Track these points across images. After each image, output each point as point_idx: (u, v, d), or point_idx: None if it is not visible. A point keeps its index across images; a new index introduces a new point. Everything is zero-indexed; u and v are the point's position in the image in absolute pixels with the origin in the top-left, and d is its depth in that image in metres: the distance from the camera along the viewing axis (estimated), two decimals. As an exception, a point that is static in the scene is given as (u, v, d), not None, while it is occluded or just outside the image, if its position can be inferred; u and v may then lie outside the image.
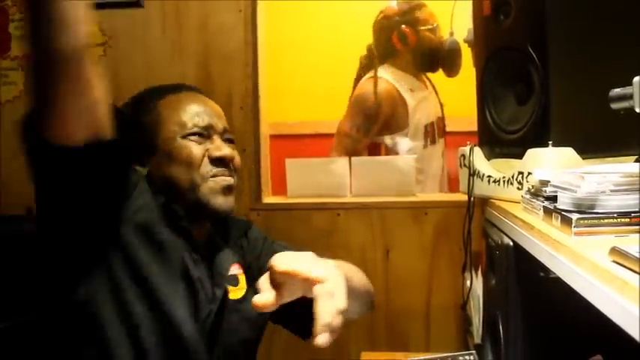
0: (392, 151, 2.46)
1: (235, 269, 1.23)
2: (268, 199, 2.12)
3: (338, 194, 2.09)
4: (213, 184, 1.15)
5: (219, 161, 1.16)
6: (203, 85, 2.03)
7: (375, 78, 2.45)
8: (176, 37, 2.07)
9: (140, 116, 1.19)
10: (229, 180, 1.18)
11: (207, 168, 1.15)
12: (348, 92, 2.62)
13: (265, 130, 2.16)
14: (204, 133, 1.17)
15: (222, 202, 1.16)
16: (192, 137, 1.16)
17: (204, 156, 1.15)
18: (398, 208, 2.01)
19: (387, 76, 2.50)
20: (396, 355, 1.71)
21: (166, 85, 1.26)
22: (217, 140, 1.19)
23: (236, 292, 1.21)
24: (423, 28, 2.47)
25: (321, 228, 2.02)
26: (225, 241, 1.26)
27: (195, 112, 1.18)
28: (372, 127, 2.45)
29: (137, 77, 2.06)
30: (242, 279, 1.24)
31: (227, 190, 1.17)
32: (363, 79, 2.53)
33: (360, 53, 2.62)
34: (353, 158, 2.19)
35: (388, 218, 2.01)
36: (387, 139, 2.48)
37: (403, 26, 2.46)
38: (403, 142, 2.48)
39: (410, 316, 1.99)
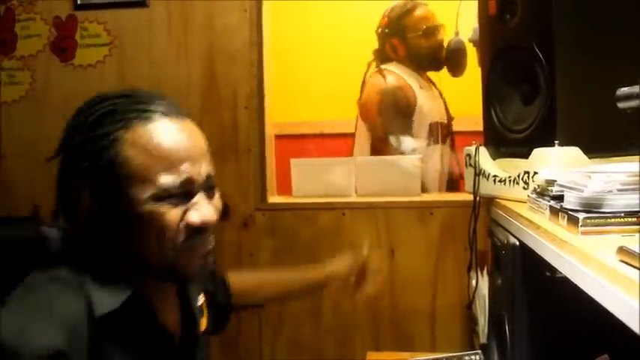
0: (396, 151, 2.47)
1: (200, 299, 1.12)
2: (273, 199, 2.13)
3: (343, 194, 2.09)
4: (190, 256, 0.92)
5: (195, 229, 0.91)
6: (208, 84, 2.06)
7: (382, 73, 2.48)
8: (181, 36, 2.07)
9: (94, 148, 0.89)
10: (208, 247, 0.95)
11: (181, 238, 0.90)
12: (353, 92, 2.63)
13: (270, 130, 2.17)
14: (183, 192, 0.90)
15: (198, 268, 0.95)
16: (168, 200, 0.88)
17: (180, 221, 0.90)
18: (403, 208, 2.01)
19: (397, 71, 2.52)
20: (401, 354, 1.71)
21: (135, 96, 0.94)
22: (200, 198, 0.92)
23: (202, 324, 1.10)
24: (411, 35, 2.50)
25: (326, 228, 2.02)
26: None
27: (171, 163, 0.88)
28: (404, 119, 2.48)
29: (142, 77, 2.07)
30: (204, 305, 1.14)
31: (204, 258, 0.95)
32: (370, 72, 2.55)
33: (365, 53, 2.63)
34: (358, 158, 2.19)
35: (393, 218, 2.00)
36: (392, 139, 2.48)
37: (392, 38, 2.52)
38: (408, 142, 2.48)
39: (415, 315, 1.99)
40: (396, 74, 2.52)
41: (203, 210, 0.92)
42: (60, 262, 0.91)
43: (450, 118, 2.64)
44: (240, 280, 1.39)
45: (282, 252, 1.99)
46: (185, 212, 0.90)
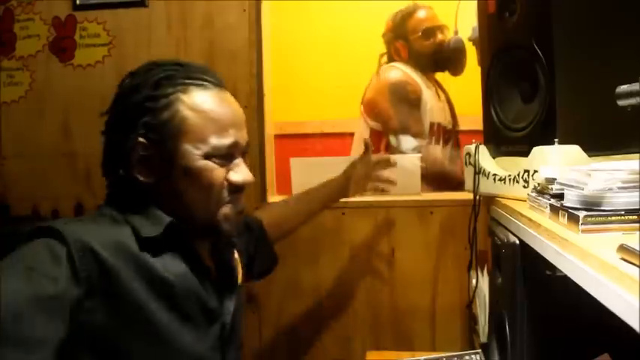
0: (396, 150, 2.47)
1: (234, 257, 1.22)
2: (273, 198, 2.12)
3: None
4: (228, 211, 1.06)
5: (237, 187, 1.05)
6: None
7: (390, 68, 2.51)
8: (181, 36, 2.07)
9: (155, 106, 1.01)
10: (243, 205, 1.09)
11: (224, 194, 1.04)
12: (354, 92, 2.63)
13: (270, 129, 2.17)
14: (229, 154, 1.04)
15: (233, 228, 1.07)
16: (215, 159, 1.02)
17: (224, 180, 1.04)
18: (403, 207, 2.01)
19: (405, 69, 2.54)
20: (401, 354, 1.71)
21: (188, 66, 1.07)
22: (239, 162, 1.06)
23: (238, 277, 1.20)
24: (412, 37, 2.55)
25: (326, 227, 2.02)
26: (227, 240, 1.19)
27: (222, 126, 1.02)
28: (413, 110, 2.50)
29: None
30: (238, 263, 1.22)
31: (239, 215, 1.08)
32: (383, 68, 2.58)
33: (366, 53, 2.64)
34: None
35: (393, 217, 2.00)
36: (391, 138, 2.48)
37: (395, 42, 2.57)
38: (407, 141, 2.48)
39: (415, 315, 1.99)
40: (402, 70, 2.55)
41: (243, 171, 1.05)
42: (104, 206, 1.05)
43: (455, 124, 2.65)
44: (270, 215, 1.55)
45: (282, 251, 1.98)
46: (228, 172, 1.04)
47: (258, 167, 2.06)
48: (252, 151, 2.04)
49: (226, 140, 1.02)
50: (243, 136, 1.06)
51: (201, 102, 1.02)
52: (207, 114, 1.02)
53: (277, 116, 2.32)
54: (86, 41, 2.11)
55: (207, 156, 1.01)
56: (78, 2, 2.11)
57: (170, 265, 1.00)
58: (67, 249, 0.88)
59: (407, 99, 2.51)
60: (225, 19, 2.06)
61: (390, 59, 2.62)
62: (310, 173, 2.12)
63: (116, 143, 1.03)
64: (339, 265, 2.02)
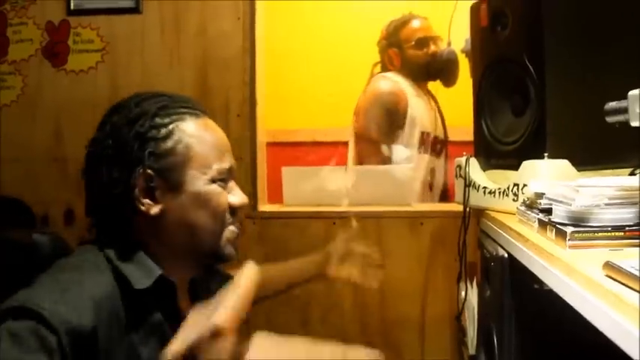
0: (388, 159, 2.47)
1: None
2: (264, 207, 2.12)
3: (334, 203, 2.09)
4: (230, 234, 1.07)
5: (236, 209, 1.07)
6: (200, 91, 2.05)
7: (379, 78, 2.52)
8: (174, 43, 2.07)
9: (157, 135, 1.01)
10: (239, 228, 1.10)
11: (227, 217, 1.06)
12: (347, 100, 2.64)
13: (262, 137, 2.17)
14: (226, 178, 1.06)
15: (233, 249, 1.08)
16: (218, 183, 1.04)
17: (226, 203, 1.06)
18: (394, 218, 2.01)
19: (396, 78, 2.55)
20: (390, 365, 1.71)
21: (176, 97, 1.09)
22: (233, 184, 1.08)
23: None
24: (406, 46, 2.57)
25: (316, 237, 2.01)
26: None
27: (219, 152, 1.06)
28: (394, 122, 2.51)
29: (135, 83, 2.07)
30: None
31: (237, 238, 1.09)
32: (373, 78, 2.59)
33: (358, 61, 2.66)
34: (350, 167, 2.19)
35: (384, 228, 2.00)
36: (384, 148, 2.49)
37: (389, 49, 2.60)
38: (400, 151, 2.49)
39: (405, 325, 1.99)
40: (392, 80, 2.55)
41: (240, 193, 1.08)
42: (91, 247, 1.02)
43: (445, 134, 2.66)
44: None
45: (273, 260, 1.98)
46: (227, 197, 1.06)
47: (249, 175, 2.06)
48: (244, 159, 2.05)
49: (225, 164, 1.05)
50: (233, 161, 1.10)
51: (199, 129, 1.04)
52: (208, 140, 1.04)
53: (270, 124, 2.32)
54: (79, 47, 2.11)
55: (213, 180, 1.03)
56: (72, 7, 2.10)
57: (152, 325, 0.99)
58: (57, 338, 0.84)
59: (392, 110, 2.52)
60: (219, 27, 2.06)
61: (384, 67, 2.63)
62: (302, 182, 2.12)
63: (115, 179, 1.00)
64: (329, 274, 2.02)
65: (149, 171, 0.99)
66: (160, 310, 1.00)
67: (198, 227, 1.03)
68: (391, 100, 2.52)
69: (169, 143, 1.01)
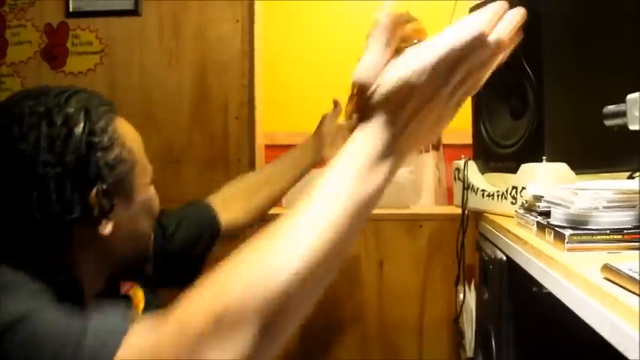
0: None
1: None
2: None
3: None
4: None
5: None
6: (199, 94, 2.05)
7: None
8: (173, 46, 2.07)
9: (101, 140, 0.85)
10: None
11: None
12: (345, 103, 2.63)
13: (260, 140, 2.17)
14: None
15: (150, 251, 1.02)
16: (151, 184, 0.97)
17: None
18: (392, 220, 2.01)
19: None
20: (388, 367, 1.71)
21: (81, 92, 0.88)
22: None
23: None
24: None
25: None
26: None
27: (143, 151, 0.96)
28: None
29: (133, 86, 2.07)
30: (137, 294, 1.04)
31: None
32: None
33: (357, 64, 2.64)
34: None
35: (382, 230, 2.01)
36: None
37: None
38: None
39: (403, 328, 1.99)
40: None
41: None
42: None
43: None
44: (239, 188, 1.40)
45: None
46: None
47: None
48: (242, 161, 2.05)
49: (149, 165, 0.97)
50: None
51: (128, 128, 0.92)
52: (137, 140, 0.93)
53: (268, 126, 2.32)
54: (78, 49, 2.11)
55: (150, 183, 0.96)
56: (71, 9, 2.10)
57: None
58: None
59: None
60: (217, 29, 2.06)
61: None
62: (301, 184, 2.12)
63: (68, 202, 0.81)
64: (327, 277, 2.02)
65: (104, 186, 0.84)
66: None
67: (145, 235, 0.96)
68: None
69: (116, 150, 0.86)
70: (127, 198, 0.89)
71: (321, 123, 1.58)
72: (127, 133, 0.90)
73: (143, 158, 0.93)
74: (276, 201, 1.50)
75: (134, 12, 2.07)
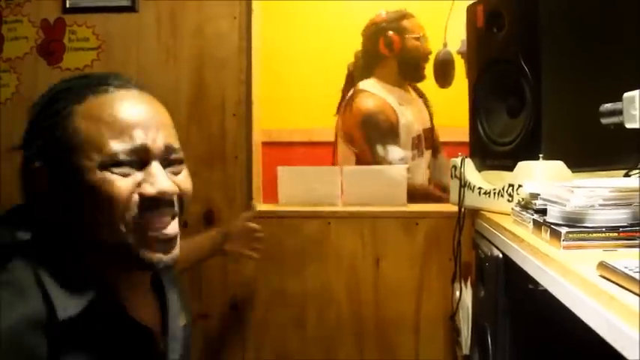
0: (383, 160, 2.47)
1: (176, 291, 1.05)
2: (259, 206, 2.12)
3: (329, 203, 2.09)
4: (143, 234, 0.83)
5: (152, 201, 0.83)
6: (196, 90, 2.05)
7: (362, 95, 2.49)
8: (170, 42, 2.07)
9: (46, 127, 0.85)
10: (169, 231, 0.86)
11: (133, 210, 0.82)
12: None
13: (258, 137, 2.17)
14: (136, 160, 0.83)
15: (159, 257, 0.85)
16: (117, 168, 0.82)
17: (131, 193, 0.82)
18: (389, 218, 2.01)
19: (376, 89, 2.52)
20: (384, 364, 1.71)
21: (92, 76, 0.91)
22: (155, 167, 0.84)
23: (182, 317, 1.03)
24: (409, 36, 2.52)
25: (311, 236, 2.02)
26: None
27: (122, 129, 0.83)
28: (390, 137, 2.49)
29: (130, 82, 2.06)
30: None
31: (165, 244, 0.86)
32: (352, 91, 2.55)
33: (354, 50, 2.63)
34: (345, 167, 2.20)
35: (379, 228, 2.01)
36: (379, 148, 2.49)
37: (389, 32, 2.52)
38: (395, 151, 2.49)
39: (399, 325, 1.99)
40: (375, 96, 2.51)
41: (159, 180, 0.83)
42: (17, 260, 0.83)
43: (432, 126, 2.64)
44: None
45: (267, 260, 1.98)
46: (139, 184, 0.83)
47: (245, 175, 2.06)
48: (239, 158, 2.05)
49: (127, 145, 0.82)
50: (156, 138, 0.85)
51: (96, 108, 0.84)
52: (102, 117, 0.83)
53: (265, 123, 2.32)
54: (75, 45, 2.10)
55: (105, 166, 0.81)
56: (68, 5, 2.10)
57: (98, 347, 0.83)
58: None
59: (381, 130, 2.49)
60: (215, 26, 2.06)
61: (373, 55, 2.56)
62: (297, 182, 2.12)
63: (25, 178, 0.88)
64: (324, 275, 2.02)
65: (39, 164, 0.85)
66: (109, 328, 0.84)
67: (95, 227, 0.84)
68: (381, 119, 2.49)
69: (57, 132, 0.84)
70: (67, 181, 0.83)
71: (232, 225, 1.79)
72: (89, 111, 0.84)
73: (101, 138, 0.82)
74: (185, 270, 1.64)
75: (131, 8, 2.07)
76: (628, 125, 0.78)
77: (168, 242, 0.86)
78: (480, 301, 1.27)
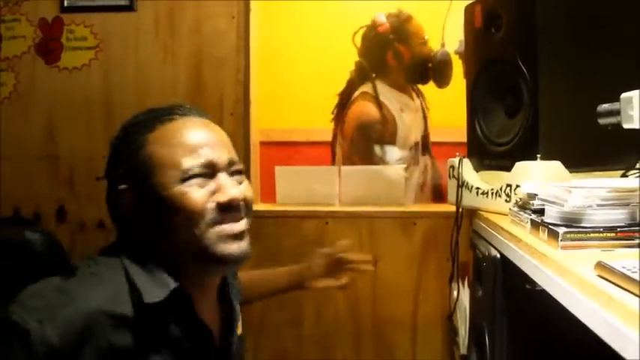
0: (381, 160, 2.47)
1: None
2: (257, 206, 2.12)
3: (327, 202, 2.09)
4: (219, 232, 0.98)
5: (225, 207, 0.98)
6: (194, 90, 2.05)
7: (376, 97, 2.47)
8: (168, 41, 2.07)
9: (126, 157, 1.01)
10: (239, 226, 1.00)
11: (211, 215, 0.97)
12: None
13: (255, 136, 2.17)
14: (207, 173, 0.98)
15: (233, 248, 0.99)
16: (192, 181, 0.97)
17: (206, 202, 0.98)
18: (386, 218, 2.01)
19: (379, 93, 2.51)
20: (382, 364, 1.71)
21: (157, 109, 1.06)
22: (223, 178, 0.99)
23: (239, 327, 1.14)
24: (414, 42, 2.50)
25: (309, 236, 2.02)
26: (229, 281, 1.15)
27: (192, 148, 0.98)
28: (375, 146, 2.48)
29: (128, 81, 2.06)
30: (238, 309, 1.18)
31: (237, 236, 1.00)
32: (357, 94, 2.54)
33: (352, 61, 2.63)
34: (343, 167, 2.20)
35: (377, 228, 2.01)
36: (377, 148, 2.49)
37: (397, 44, 2.49)
38: (393, 152, 2.49)
39: (397, 325, 1.99)
40: (377, 101, 2.49)
41: (229, 188, 0.99)
42: (106, 255, 1.00)
43: (427, 131, 2.64)
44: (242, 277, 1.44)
45: (265, 260, 1.97)
46: (213, 194, 0.98)
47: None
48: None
49: (198, 160, 0.98)
50: (221, 155, 1.01)
51: (166, 133, 1.00)
52: (173, 141, 0.99)
53: (263, 123, 2.32)
54: (73, 44, 2.10)
55: (182, 180, 0.97)
56: (65, 4, 2.10)
57: (169, 337, 0.97)
58: (36, 356, 0.86)
59: (378, 138, 2.48)
60: (213, 25, 2.06)
61: (380, 64, 2.55)
62: (295, 182, 2.12)
63: (111, 197, 1.04)
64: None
65: (122, 187, 1.00)
66: (178, 323, 0.98)
67: (177, 232, 0.97)
68: (379, 129, 2.47)
69: (136, 157, 1.00)
70: (151, 199, 0.98)
71: (315, 256, 1.60)
72: (159, 137, 1.00)
73: (174, 157, 0.98)
74: (262, 299, 1.63)
75: (129, 7, 2.07)
76: (625, 126, 0.79)
77: (239, 236, 1.00)
78: (478, 301, 1.27)
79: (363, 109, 2.51)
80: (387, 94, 2.51)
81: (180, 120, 1.02)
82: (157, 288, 0.95)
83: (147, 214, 0.99)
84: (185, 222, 0.96)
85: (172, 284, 0.96)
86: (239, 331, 1.13)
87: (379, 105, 2.46)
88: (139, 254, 0.99)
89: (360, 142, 2.48)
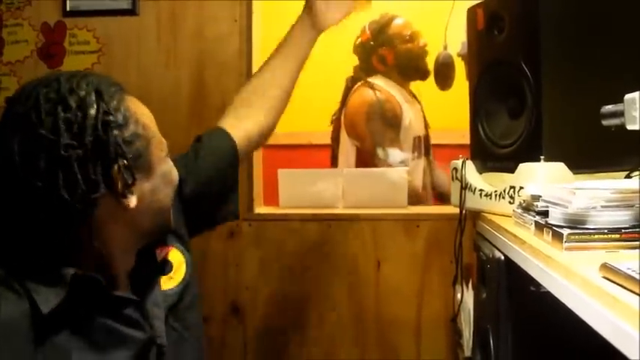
0: (384, 162, 2.47)
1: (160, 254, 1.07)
2: (260, 209, 2.12)
3: (330, 205, 2.09)
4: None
5: None
6: (197, 93, 2.05)
7: (370, 85, 2.49)
8: (171, 45, 2.07)
9: (116, 119, 0.89)
10: None
11: None
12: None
13: (258, 140, 2.16)
14: None
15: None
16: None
17: None
18: (390, 220, 2.01)
19: (383, 84, 2.54)
20: (386, 367, 1.71)
21: (93, 75, 0.94)
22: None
23: (169, 282, 1.07)
24: (398, 42, 2.54)
25: (312, 239, 2.01)
26: None
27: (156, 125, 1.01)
28: (392, 129, 2.49)
29: (131, 85, 2.04)
30: (175, 256, 1.11)
31: None
32: (357, 86, 2.56)
33: (353, 64, 2.64)
34: (345, 169, 2.20)
35: (380, 230, 2.01)
36: (379, 151, 2.49)
37: (379, 49, 2.54)
38: (395, 154, 2.49)
39: (401, 328, 1.99)
40: (383, 88, 2.54)
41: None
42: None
43: (427, 132, 2.65)
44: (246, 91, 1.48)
45: (268, 263, 1.98)
46: None
47: (245, 178, 2.05)
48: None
49: (163, 139, 1.00)
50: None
51: (139, 105, 0.98)
52: (149, 116, 0.98)
53: (266, 127, 2.31)
54: (75, 48, 2.10)
55: (166, 155, 0.99)
56: (68, 9, 2.10)
57: (89, 330, 0.89)
58: None
59: (385, 118, 2.50)
60: (215, 29, 2.06)
61: (370, 71, 2.60)
62: (298, 185, 2.12)
63: (93, 180, 0.87)
64: (324, 277, 2.02)
65: (124, 162, 0.89)
66: (95, 310, 0.90)
67: (167, 205, 0.99)
68: (389, 108, 2.51)
69: (131, 127, 0.91)
70: (147, 171, 0.94)
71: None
72: (139, 110, 0.95)
73: (157, 132, 0.98)
74: (289, 92, 1.51)
75: (132, 11, 2.07)
76: (629, 127, 0.78)
77: None
78: (482, 304, 1.27)
79: (367, 93, 2.54)
80: (391, 86, 2.53)
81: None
82: (52, 287, 0.85)
83: (139, 192, 0.96)
84: (171, 196, 1.02)
85: (64, 287, 0.86)
86: (175, 282, 1.08)
87: (381, 91, 2.50)
88: (18, 254, 0.89)
89: (371, 121, 2.50)
